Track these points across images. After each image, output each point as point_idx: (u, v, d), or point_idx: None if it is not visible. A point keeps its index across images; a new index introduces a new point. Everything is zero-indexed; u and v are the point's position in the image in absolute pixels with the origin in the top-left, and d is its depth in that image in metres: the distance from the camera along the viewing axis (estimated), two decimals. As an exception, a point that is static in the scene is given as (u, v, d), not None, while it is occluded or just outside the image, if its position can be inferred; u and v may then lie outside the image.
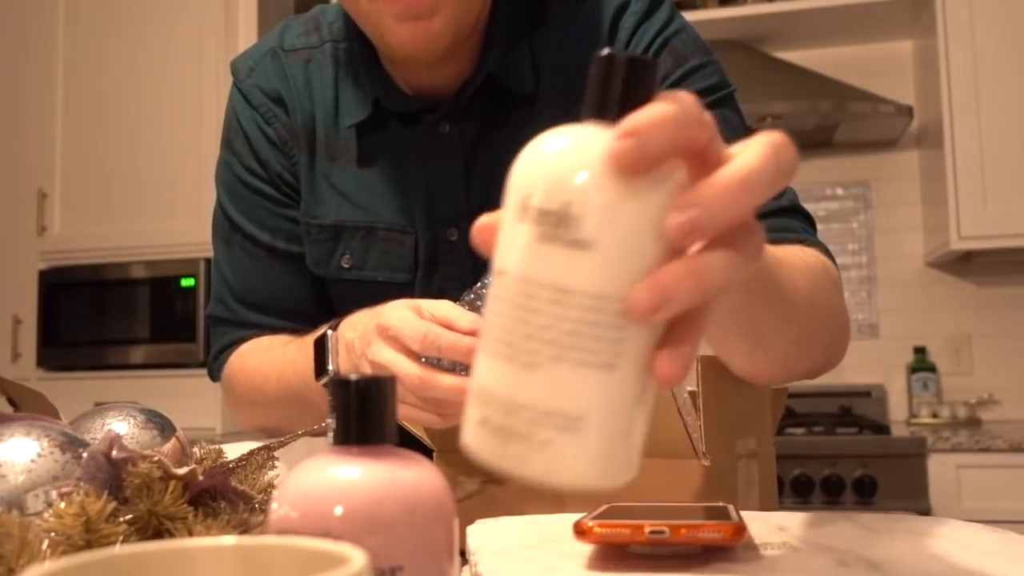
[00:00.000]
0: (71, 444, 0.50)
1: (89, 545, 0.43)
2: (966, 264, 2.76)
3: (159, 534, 0.47)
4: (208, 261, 2.81)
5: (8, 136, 3.03)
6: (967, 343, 2.76)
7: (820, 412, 2.50)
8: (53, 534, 0.43)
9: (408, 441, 0.79)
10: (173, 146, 2.88)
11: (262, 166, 1.00)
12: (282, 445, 0.63)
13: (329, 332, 0.81)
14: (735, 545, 0.56)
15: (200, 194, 2.86)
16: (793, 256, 0.74)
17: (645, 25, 0.94)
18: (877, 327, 2.84)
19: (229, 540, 0.33)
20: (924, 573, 0.51)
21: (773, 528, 0.63)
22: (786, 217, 0.90)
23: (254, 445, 0.62)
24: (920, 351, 2.73)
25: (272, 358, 0.95)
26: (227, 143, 1.04)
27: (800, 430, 2.28)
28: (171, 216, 2.87)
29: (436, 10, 0.84)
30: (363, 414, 0.39)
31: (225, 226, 1.04)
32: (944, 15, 2.47)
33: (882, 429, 2.27)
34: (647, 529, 0.54)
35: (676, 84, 0.91)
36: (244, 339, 1.01)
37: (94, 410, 0.61)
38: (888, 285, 2.84)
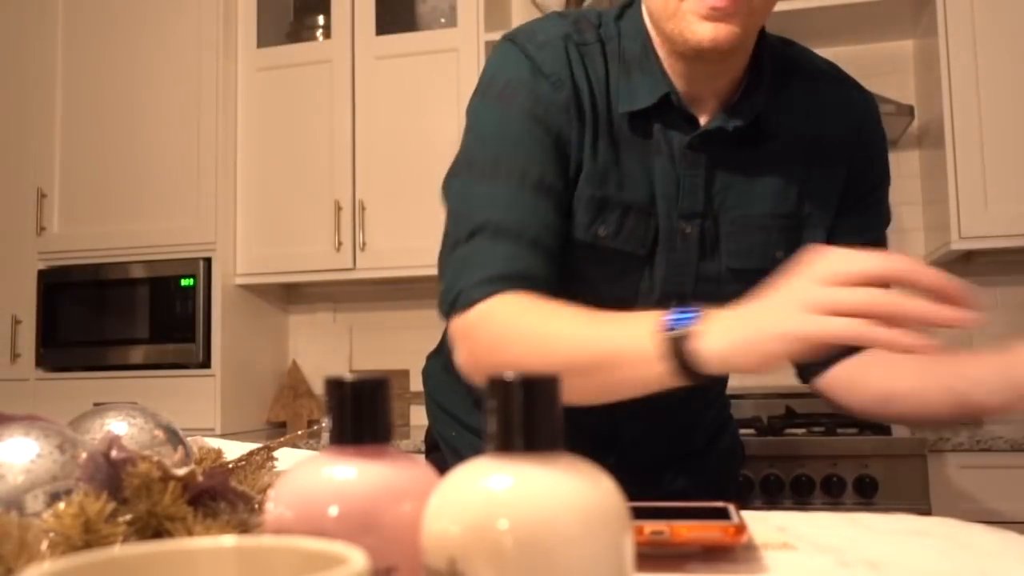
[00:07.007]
0: (70, 444, 0.50)
1: (88, 545, 0.43)
2: (966, 264, 2.75)
3: (159, 534, 0.47)
4: (207, 261, 2.83)
5: (8, 136, 3.03)
6: (967, 343, 2.76)
7: (820, 412, 2.50)
8: (52, 534, 0.43)
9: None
10: (172, 146, 2.88)
11: (545, 121, 1.11)
12: (282, 445, 0.63)
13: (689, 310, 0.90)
14: (735, 545, 0.56)
15: (199, 194, 2.86)
16: None
17: (882, 128, 1.26)
18: (877, 327, 2.83)
19: (229, 540, 0.33)
20: (924, 573, 0.51)
21: (773, 528, 0.63)
22: None
23: (254, 445, 0.62)
24: (920, 351, 2.73)
25: (571, 320, 0.97)
26: (500, 96, 1.13)
27: (800, 430, 2.27)
28: (171, 216, 2.87)
29: (733, 15, 1.02)
30: (358, 414, 0.39)
31: (487, 164, 1.10)
32: (945, 15, 2.47)
33: (882, 429, 2.27)
34: (647, 529, 0.54)
35: (878, 183, 1.31)
36: (499, 280, 1.02)
37: (93, 410, 0.61)
38: (888, 285, 2.84)
